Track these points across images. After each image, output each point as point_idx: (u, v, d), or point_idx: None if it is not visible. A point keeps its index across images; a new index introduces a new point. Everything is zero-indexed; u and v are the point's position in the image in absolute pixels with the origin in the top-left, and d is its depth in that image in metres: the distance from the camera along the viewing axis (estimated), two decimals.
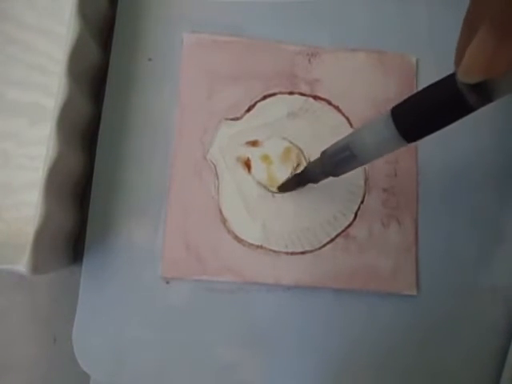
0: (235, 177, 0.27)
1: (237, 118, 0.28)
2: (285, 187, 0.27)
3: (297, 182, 0.26)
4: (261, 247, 0.26)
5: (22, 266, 0.21)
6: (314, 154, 0.28)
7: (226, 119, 0.28)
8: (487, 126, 0.29)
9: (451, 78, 0.17)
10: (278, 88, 0.28)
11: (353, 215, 0.27)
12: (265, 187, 0.27)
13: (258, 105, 0.28)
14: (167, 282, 0.26)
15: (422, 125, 0.19)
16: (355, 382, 0.26)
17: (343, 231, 0.27)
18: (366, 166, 0.28)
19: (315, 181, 0.25)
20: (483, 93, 0.17)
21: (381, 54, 0.29)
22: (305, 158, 0.28)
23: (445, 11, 0.30)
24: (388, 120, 0.19)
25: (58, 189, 0.24)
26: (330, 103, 0.28)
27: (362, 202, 0.28)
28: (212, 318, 0.26)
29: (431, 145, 0.29)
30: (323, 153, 0.23)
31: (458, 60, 0.18)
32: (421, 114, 0.18)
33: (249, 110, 0.28)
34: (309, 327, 0.26)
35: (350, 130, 0.28)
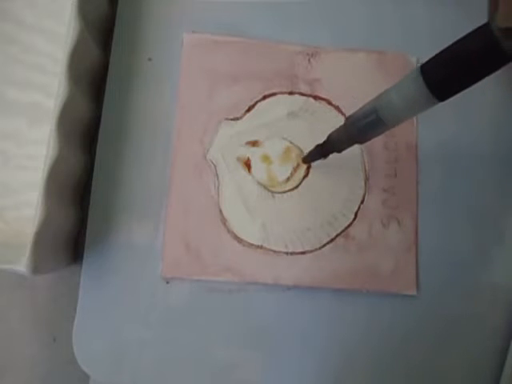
0: (235, 177, 0.27)
1: (237, 118, 0.28)
2: (308, 158, 0.26)
3: (320, 152, 0.25)
4: (261, 247, 0.26)
5: (22, 266, 0.21)
6: None
7: (226, 119, 0.28)
8: (487, 127, 0.29)
9: (484, 28, 0.17)
10: (277, 88, 0.28)
11: (353, 215, 0.27)
12: (265, 187, 0.27)
13: (258, 105, 0.28)
14: (167, 282, 0.26)
15: (454, 79, 0.18)
16: (355, 381, 0.26)
17: (343, 231, 0.27)
18: (367, 166, 0.28)
19: (339, 150, 0.24)
20: None
21: (381, 54, 0.29)
22: None
23: (445, 11, 0.30)
24: (417, 77, 0.18)
25: (58, 189, 0.24)
26: (330, 103, 0.28)
27: (362, 202, 0.27)
28: (212, 318, 0.26)
29: (431, 145, 0.29)
30: (348, 119, 0.22)
31: (494, 7, 0.17)
32: (453, 66, 0.17)
33: (249, 110, 0.28)
34: (309, 327, 0.26)
35: None
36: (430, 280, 0.27)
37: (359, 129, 0.21)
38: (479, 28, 0.17)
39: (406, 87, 0.19)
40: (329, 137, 0.24)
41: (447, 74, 0.18)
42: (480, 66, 0.17)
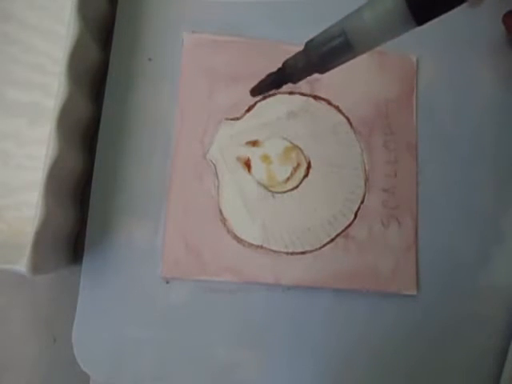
0: (235, 177, 0.27)
1: (237, 118, 0.28)
2: (258, 89, 0.22)
3: (272, 82, 0.21)
4: (261, 247, 0.26)
5: (22, 265, 0.21)
6: (313, 154, 0.28)
7: (226, 119, 0.28)
8: (487, 127, 0.29)
9: None
10: None
11: (353, 215, 0.27)
12: (265, 187, 0.27)
13: (258, 105, 0.28)
14: (167, 282, 0.26)
15: None
16: (355, 381, 0.26)
17: (343, 231, 0.27)
18: (366, 166, 0.28)
19: (295, 79, 0.21)
20: None
21: (381, 54, 0.29)
22: (305, 158, 0.28)
23: None
24: None
25: (58, 189, 0.24)
26: (329, 103, 0.28)
27: (362, 202, 0.28)
28: (212, 318, 0.26)
29: (431, 145, 0.29)
30: (309, 42, 0.20)
31: None
32: None
33: (249, 110, 0.28)
34: (309, 327, 0.26)
35: (350, 130, 0.28)
36: (430, 280, 0.27)
37: (322, 54, 0.19)
38: None
39: (382, 5, 0.17)
40: (285, 63, 0.21)
41: None
42: None
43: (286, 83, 0.21)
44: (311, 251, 0.27)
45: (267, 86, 0.22)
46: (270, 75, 0.21)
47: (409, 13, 0.16)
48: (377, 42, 0.18)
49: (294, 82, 0.21)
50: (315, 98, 0.28)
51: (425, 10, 0.16)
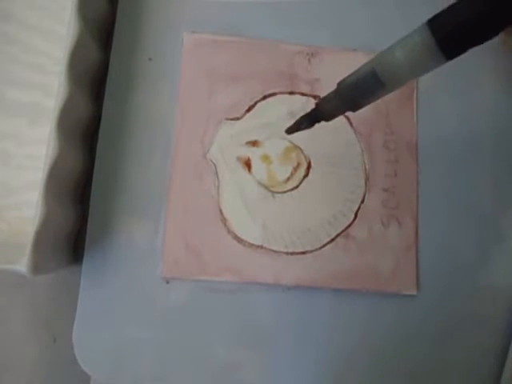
0: (235, 177, 0.27)
1: (237, 118, 0.28)
2: (294, 128, 0.23)
3: (307, 120, 0.22)
4: (261, 247, 0.26)
5: (22, 266, 0.21)
6: (314, 154, 0.28)
7: (226, 119, 0.28)
8: (488, 127, 0.29)
9: None
10: (278, 88, 0.28)
11: (353, 215, 0.27)
12: (265, 187, 0.27)
13: (258, 105, 0.28)
14: (167, 282, 0.26)
15: (465, 32, 0.16)
16: (355, 381, 0.26)
17: (343, 231, 0.27)
18: (367, 166, 0.28)
19: (329, 117, 0.21)
20: None
21: None
22: (305, 158, 0.28)
23: None
24: (424, 30, 0.17)
25: (57, 189, 0.24)
26: None
27: (362, 202, 0.28)
28: (212, 318, 0.26)
29: (431, 144, 0.29)
30: (340, 83, 0.20)
31: None
32: (465, 19, 0.16)
33: (249, 109, 0.28)
34: (309, 327, 0.26)
35: (350, 130, 0.28)
36: (430, 280, 0.27)
37: (355, 93, 0.19)
38: None
39: (411, 42, 0.17)
40: (319, 104, 0.21)
41: (457, 25, 0.16)
42: (494, 20, 0.16)
43: (319, 122, 0.22)
44: (311, 251, 0.27)
45: (302, 125, 0.22)
46: (304, 117, 0.22)
47: (438, 49, 0.17)
48: (408, 79, 0.18)
49: (328, 120, 0.21)
50: (315, 97, 0.28)
51: (454, 46, 0.17)
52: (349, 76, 0.20)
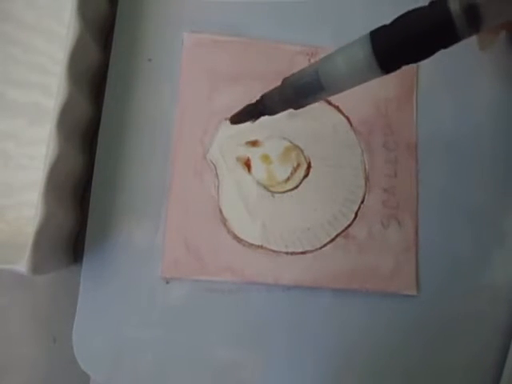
0: (235, 177, 0.27)
1: None
2: (236, 118, 0.22)
3: (250, 113, 0.22)
4: (261, 247, 0.26)
5: (22, 266, 0.21)
6: (314, 154, 0.28)
7: (226, 119, 0.28)
8: (488, 127, 0.29)
9: (443, 1, 0.17)
10: None
11: (353, 215, 0.27)
12: (265, 187, 0.27)
13: None
14: (167, 282, 0.26)
15: (401, 49, 0.17)
16: (355, 381, 0.26)
17: (343, 231, 0.27)
18: (367, 166, 0.28)
19: (272, 113, 0.21)
20: (473, 18, 0.16)
21: None
22: (305, 158, 0.28)
23: None
24: (366, 43, 0.18)
25: (58, 189, 0.24)
26: (329, 103, 0.28)
27: (362, 202, 0.28)
28: (212, 318, 0.26)
29: (431, 145, 0.29)
30: (285, 79, 0.21)
31: None
32: (404, 37, 0.17)
33: None
34: (309, 327, 0.26)
35: (350, 130, 0.28)
36: (429, 280, 0.27)
37: (297, 92, 0.20)
38: (438, 1, 0.17)
39: (353, 52, 0.18)
40: (262, 97, 0.21)
41: (395, 40, 0.17)
42: (429, 40, 0.17)
43: (263, 115, 0.22)
44: (311, 251, 0.27)
45: (245, 117, 0.22)
46: (248, 106, 0.22)
47: (375, 62, 0.17)
48: (346, 86, 0.19)
49: (270, 114, 0.21)
50: None
51: (390, 61, 0.18)
52: (293, 74, 0.20)
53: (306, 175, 0.28)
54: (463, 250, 0.28)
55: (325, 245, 0.27)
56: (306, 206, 0.27)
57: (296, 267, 0.26)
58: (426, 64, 0.29)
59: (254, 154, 0.28)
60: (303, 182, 0.27)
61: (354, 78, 0.19)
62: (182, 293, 0.26)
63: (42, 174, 0.22)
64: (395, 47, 0.17)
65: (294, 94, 0.20)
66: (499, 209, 0.28)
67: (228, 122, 0.27)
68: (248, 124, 0.28)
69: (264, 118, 0.28)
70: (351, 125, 0.28)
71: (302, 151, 0.28)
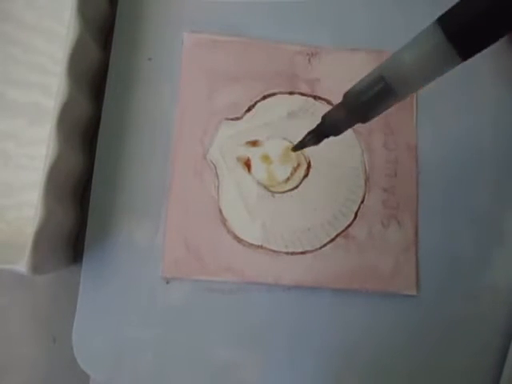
0: (235, 177, 0.27)
1: (237, 118, 0.28)
2: (300, 145, 0.21)
3: (314, 136, 0.21)
4: (261, 247, 0.26)
5: (22, 266, 0.21)
6: (314, 154, 0.28)
7: (226, 119, 0.28)
8: (488, 127, 0.29)
9: None
10: (277, 88, 0.28)
11: (353, 215, 0.27)
12: (265, 187, 0.27)
13: (258, 105, 0.28)
14: (167, 282, 0.26)
15: (481, 26, 0.15)
16: (355, 381, 0.26)
17: (343, 231, 0.27)
18: (367, 166, 0.28)
19: (337, 132, 0.20)
20: None
21: (380, 54, 0.29)
22: (305, 158, 0.28)
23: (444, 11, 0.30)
24: (434, 30, 0.16)
25: (58, 189, 0.24)
26: (330, 103, 0.28)
27: (362, 202, 0.28)
28: (212, 318, 0.26)
29: (431, 145, 0.29)
30: (347, 94, 0.19)
31: None
32: (480, 11, 0.15)
33: (249, 109, 0.28)
34: (309, 327, 0.26)
35: (350, 130, 0.28)
36: (430, 280, 0.27)
37: (363, 104, 0.18)
38: None
39: (421, 44, 0.16)
40: (324, 118, 0.20)
41: (472, 21, 0.15)
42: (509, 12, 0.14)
43: (327, 137, 0.20)
44: (311, 251, 0.27)
45: (309, 142, 0.21)
46: (309, 133, 0.21)
47: (451, 48, 0.15)
48: (420, 84, 0.17)
49: (336, 134, 0.20)
50: (315, 98, 0.28)
51: (469, 43, 0.15)
52: (355, 85, 0.19)
53: (306, 175, 0.28)
54: (463, 250, 0.28)
55: (325, 245, 0.27)
56: (306, 206, 0.27)
57: (296, 267, 0.26)
58: None
59: (254, 154, 0.28)
60: (303, 182, 0.27)
61: (427, 73, 0.16)
62: (182, 293, 0.26)
63: (41, 174, 0.22)
64: (472, 24, 0.15)
65: (361, 107, 0.18)
66: (499, 209, 0.28)
67: (228, 122, 0.28)
68: (248, 124, 0.28)
69: (264, 118, 0.28)
70: None
71: (302, 151, 0.28)
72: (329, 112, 0.20)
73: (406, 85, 0.17)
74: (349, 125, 0.20)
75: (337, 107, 0.19)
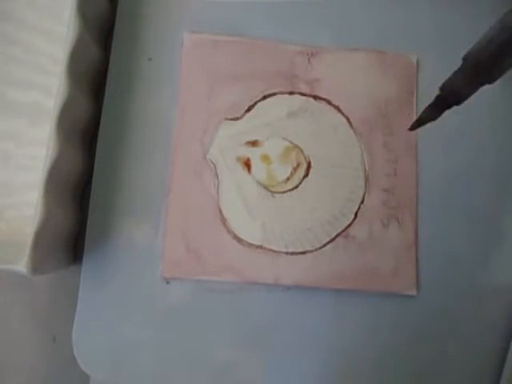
0: (235, 177, 0.27)
1: (237, 118, 0.28)
2: (423, 120, 0.20)
3: (437, 108, 0.19)
4: (261, 247, 0.26)
5: (22, 266, 0.21)
6: (313, 154, 0.28)
7: (226, 119, 0.28)
8: (487, 127, 0.29)
9: None
10: (277, 88, 0.28)
11: (353, 215, 0.27)
12: (265, 187, 0.27)
13: (258, 105, 0.28)
14: (167, 282, 0.26)
15: None
16: (355, 381, 0.26)
17: (343, 231, 0.27)
18: (367, 166, 0.28)
19: (459, 99, 0.19)
20: None
21: (381, 54, 0.29)
22: (305, 158, 0.28)
23: (445, 11, 0.30)
24: None
25: (58, 189, 0.24)
26: (329, 103, 0.28)
27: (362, 202, 0.27)
28: (212, 318, 0.26)
29: (431, 145, 0.29)
30: (467, 54, 0.17)
31: None
32: None
33: (249, 109, 0.28)
34: (309, 327, 0.26)
35: (350, 130, 0.28)
36: (430, 280, 0.27)
37: (489, 60, 0.16)
38: None
39: None
40: (443, 87, 0.19)
41: None
42: None
43: (449, 107, 0.19)
44: (311, 251, 0.27)
45: (434, 113, 0.20)
46: (430, 106, 0.20)
47: None
48: None
49: (459, 102, 0.19)
50: (315, 97, 0.28)
51: None
52: (475, 45, 0.17)
53: (306, 175, 0.28)
54: (463, 249, 0.28)
55: (325, 245, 0.27)
56: (306, 206, 0.27)
57: (296, 267, 0.26)
58: (426, 64, 0.30)
59: (253, 154, 0.28)
60: (303, 182, 0.27)
61: None
62: (182, 293, 0.26)
63: (41, 174, 0.22)
64: None
65: (484, 65, 0.17)
66: (499, 209, 0.28)
67: (228, 122, 0.28)
68: (248, 124, 0.28)
69: (264, 118, 0.28)
70: (351, 125, 0.28)
71: (301, 151, 0.28)
72: (447, 81, 0.18)
73: None
74: (474, 88, 0.18)
75: (456, 73, 0.18)
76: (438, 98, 0.19)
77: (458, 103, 0.19)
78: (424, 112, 0.20)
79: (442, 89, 0.19)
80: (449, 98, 0.19)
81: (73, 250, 0.27)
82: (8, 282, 0.27)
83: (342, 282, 0.26)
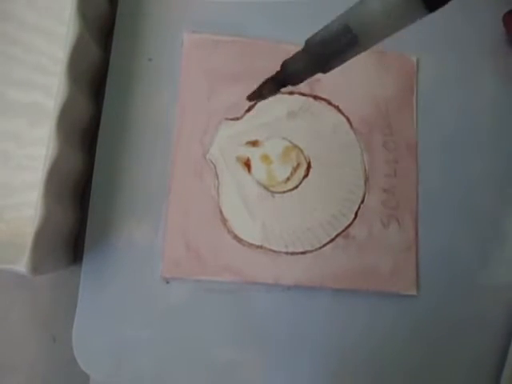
0: (235, 177, 0.27)
1: (237, 118, 0.28)
2: (256, 94, 0.21)
3: (270, 87, 0.20)
4: (261, 247, 0.26)
5: (22, 266, 0.21)
6: (313, 154, 0.28)
7: (226, 119, 0.28)
8: (488, 127, 0.29)
9: None
10: None
11: (353, 215, 0.27)
12: (265, 187, 0.27)
13: (258, 105, 0.28)
14: (167, 282, 0.26)
15: None
16: (355, 381, 0.26)
17: (343, 231, 0.27)
18: (366, 166, 0.28)
19: (295, 81, 0.19)
20: None
21: (381, 54, 0.29)
22: (305, 158, 0.28)
23: (445, 11, 0.30)
24: None
25: (58, 189, 0.24)
26: (329, 103, 0.28)
27: (362, 202, 0.28)
28: (212, 318, 0.26)
29: (431, 145, 0.29)
30: (309, 40, 0.19)
31: None
32: None
33: (249, 109, 0.28)
34: (309, 327, 0.26)
35: (349, 130, 0.28)
36: (430, 280, 0.27)
37: (325, 52, 0.18)
38: None
39: None
40: (283, 65, 0.19)
41: None
42: None
43: (285, 86, 0.20)
44: (311, 251, 0.27)
45: (266, 91, 0.20)
46: (268, 80, 0.20)
47: (420, 1, 0.15)
48: (384, 34, 0.17)
49: (295, 83, 0.19)
50: (315, 98, 0.28)
51: None
52: (319, 32, 0.18)
53: (306, 175, 0.28)
54: (463, 249, 0.28)
55: (325, 245, 0.27)
56: (306, 206, 0.27)
57: (296, 267, 0.26)
58: (426, 64, 0.30)
59: (253, 154, 0.28)
60: (303, 182, 0.27)
61: (392, 21, 0.16)
62: (182, 293, 0.26)
63: (41, 174, 0.22)
64: None
65: (322, 55, 0.18)
66: (499, 209, 0.28)
67: (228, 122, 0.28)
68: (248, 124, 0.28)
69: (264, 118, 0.28)
70: (351, 125, 0.28)
71: (301, 151, 0.28)
72: (288, 60, 0.19)
73: (371, 34, 0.17)
74: (309, 74, 0.19)
75: (297, 55, 0.19)
76: (277, 74, 0.20)
77: (294, 84, 0.19)
78: (263, 85, 0.20)
79: (282, 67, 0.19)
80: (287, 78, 0.19)
81: (73, 250, 0.27)
82: (8, 281, 0.27)
83: (342, 281, 0.26)
